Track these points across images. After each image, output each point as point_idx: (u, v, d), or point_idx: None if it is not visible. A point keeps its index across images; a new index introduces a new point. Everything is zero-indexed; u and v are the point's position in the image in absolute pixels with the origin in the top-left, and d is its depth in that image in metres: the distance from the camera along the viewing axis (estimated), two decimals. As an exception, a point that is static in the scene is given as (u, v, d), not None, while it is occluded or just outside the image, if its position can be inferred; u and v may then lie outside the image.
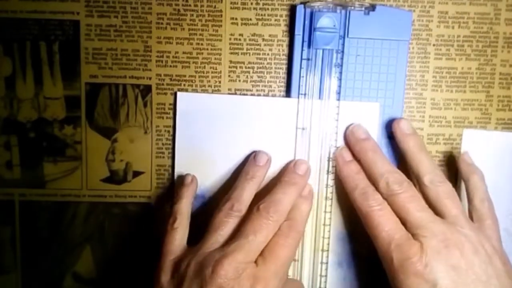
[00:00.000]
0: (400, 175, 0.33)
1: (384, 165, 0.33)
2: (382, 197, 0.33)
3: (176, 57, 0.36)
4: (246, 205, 0.33)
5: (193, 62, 0.36)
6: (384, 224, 0.32)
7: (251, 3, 0.36)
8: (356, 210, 0.34)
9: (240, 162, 0.36)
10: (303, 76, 0.35)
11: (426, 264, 0.30)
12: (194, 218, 0.34)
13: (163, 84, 0.36)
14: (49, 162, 0.37)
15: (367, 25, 0.35)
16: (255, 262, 0.30)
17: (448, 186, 0.33)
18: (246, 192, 0.34)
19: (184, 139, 0.36)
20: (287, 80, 0.36)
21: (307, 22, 0.35)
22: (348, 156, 0.35)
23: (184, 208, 0.34)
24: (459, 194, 0.34)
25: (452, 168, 0.37)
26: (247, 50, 0.36)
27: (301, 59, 0.35)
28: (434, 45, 0.37)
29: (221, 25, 0.36)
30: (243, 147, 0.36)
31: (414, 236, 0.31)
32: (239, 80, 0.37)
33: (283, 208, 0.32)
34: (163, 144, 0.37)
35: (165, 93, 0.37)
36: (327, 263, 0.36)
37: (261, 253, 0.31)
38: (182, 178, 0.36)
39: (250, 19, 0.36)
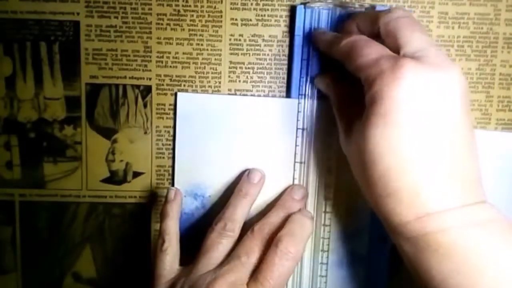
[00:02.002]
0: None
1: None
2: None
3: (176, 57, 0.36)
4: (240, 225, 0.33)
5: (193, 63, 0.36)
6: (372, 48, 0.28)
7: (251, 4, 0.36)
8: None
9: (240, 163, 0.36)
10: (303, 77, 0.35)
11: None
12: (194, 219, 0.35)
13: (163, 85, 0.36)
14: (49, 163, 0.37)
15: (367, 25, 0.35)
16: (247, 284, 0.30)
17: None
18: (239, 211, 0.33)
19: (184, 139, 0.36)
20: (287, 81, 0.36)
21: (307, 23, 0.35)
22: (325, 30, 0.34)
23: (172, 227, 0.33)
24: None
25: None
26: (247, 50, 0.36)
27: (301, 59, 0.35)
28: (434, 45, 0.37)
29: (221, 26, 0.36)
30: (243, 148, 0.36)
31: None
32: (239, 81, 0.37)
33: (277, 231, 0.32)
34: (163, 144, 0.37)
35: (165, 94, 0.37)
36: (327, 263, 0.36)
37: (253, 275, 0.30)
38: (167, 192, 0.35)
39: (250, 20, 0.36)
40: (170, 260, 0.32)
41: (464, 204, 0.25)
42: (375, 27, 0.29)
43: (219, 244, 0.32)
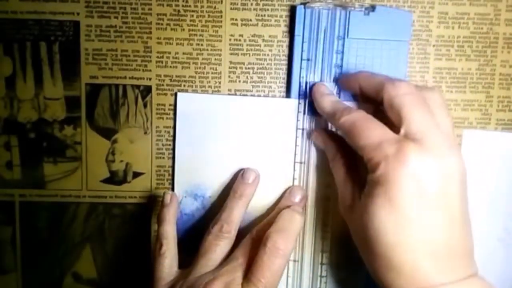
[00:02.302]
0: None
1: None
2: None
3: (176, 57, 0.36)
4: (236, 226, 0.33)
5: (193, 63, 0.36)
6: (374, 129, 0.29)
7: (251, 4, 0.36)
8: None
9: (240, 163, 0.36)
10: (303, 77, 0.35)
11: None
12: (194, 219, 0.35)
13: (163, 85, 0.36)
14: (49, 163, 0.37)
15: (367, 25, 0.35)
16: (241, 285, 0.30)
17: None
18: (235, 212, 0.34)
19: (184, 139, 0.36)
20: (287, 81, 0.36)
21: (307, 23, 0.35)
22: (325, 89, 0.34)
23: (169, 231, 0.34)
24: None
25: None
26: (247, 50, 0.36)
27: (301, 59, 0.35)
28: (434, 45, 0.37)
29: (221, 26, 0.36)
30: (243, 148, 0.36)
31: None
32: (239, 81, 0.37)
33: None
34: (163, 144, 0.37)
35: (165, 94, 0.37)
36: (327, 264, 0.36)
37: (246, 275, 0.30)
38: (163, 195, 0.35)
39: (250, 20, 0.36)
40: (168, 263, 0.33)
41: (459, 278, 0.27)
42: (379, 96, 0.30)
43: (217, 246, 0.32)
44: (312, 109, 0.35)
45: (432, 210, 0.27)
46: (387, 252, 0.28)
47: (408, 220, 0.27)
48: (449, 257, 0.27)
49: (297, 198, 0.35)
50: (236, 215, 0.34)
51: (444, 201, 0.27)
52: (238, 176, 0.35)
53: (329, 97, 0.34)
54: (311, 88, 0.35)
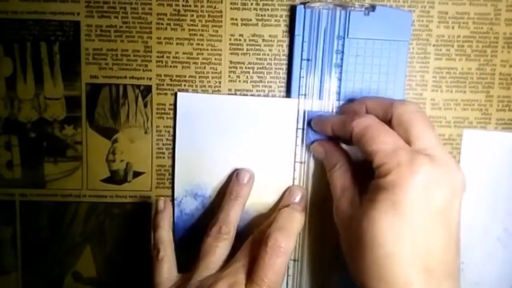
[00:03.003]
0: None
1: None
2: None
3: (176, 57, 0.36)
4: (234, 226, 0.34)
5: (193, 63, 0.36)
6: (388, 136, 0.29)
7: (251, 4, 0.36)
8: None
9: (240, 163, 0.36)
10: (303, 77, 0.36)
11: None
12: (194, 219, 0.35)
13: (163, 85, 0.36)
14: (49, 162, 0.37)
15: (367, 25, 0.35)
16: (245, 285, 0.30)
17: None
18: (232, 213, 0.34)
19: (185, 139, 0.36)
20: (287, 81, 0.36)
21: (307, 23, 0.35)
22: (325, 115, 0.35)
23: (165, 236, 0.34)
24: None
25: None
26: (247, 50, 0.36)
27: (301, 59, 0.35)
28: (434, 45, 0.37)
29: (221, 26, 0.36)
30: (243, 148, 0.36)
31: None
32: (239, 81, 0.37)
33: None
34: (163, 144, 0.37)
35: (166, 94, 0.37)
36: (327, 263, 0.36)
37: (249, 276, 0.30)
38: (157, 202, 0.35)
39: (250, 20, 0.36)
40: (167, 268, 0.33)
41: None
42: (387, 115, 0.31)
43: (216, 248, 0.33)
44: (312, 108, 0.35)
45: (435, 222, 0.27)
46: (381, 262, 0.27)
47: (410, 229, 0.27)
48: (443, 275, 0.27)
49: (297, 197, 0.35)
50: (234, 216, 0.34)
51: (446, 215, 0.28)
52: (232, 177, 0.35)
53: (332, 116, 0.35)
54: (309, 120, 0.35)
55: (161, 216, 0.34)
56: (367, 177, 0.30)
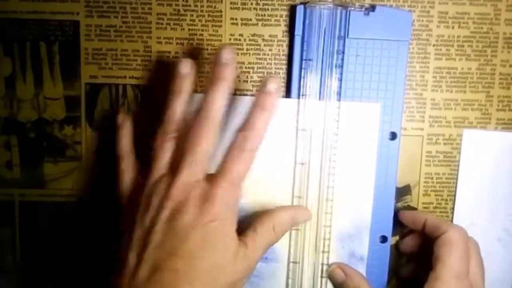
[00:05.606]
0: None
1: None
2: None
3: (176, 57, 0.36)
4: (180, 122, 0.32)
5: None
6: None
7: (251, 4, 0.36)
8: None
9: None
10: (303, 77, 0.35)
11: None
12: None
13: (163, 85, 0.36)
14: (49, 162, 0.37)
15: (367, 25, 0.35)
16: (206, 179, 0.30)
17: None
18: (176, 109, 0.32)
19: (184, 139, 0.36)
20: (287, 81, 0.36)
21: (307, 23, 0.35)
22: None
23: (123, 147, 0.34)
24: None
25: (452, 168, 0.37)
26: (247, 50, 0.36)
27: (301, 59, 0.35)
28: (434, 45, 0.37)
29: (221, 26, 0.36)
30: (243, 148, 0.36)
31: None
32: (239, 81, 0.37)
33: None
34: (163, 144, 0.37)
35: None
36: (327, 264, 0.36)
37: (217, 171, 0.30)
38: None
39: (250, 20, 0.36)
40: (127, 178, 0.33)
41: None
42: (436, 232, 0.34)
43: (164, 148, 0.31)
44: (312, 109, 0.35)
45: None
46: None
47: None
48: None
49: (272, 88, 0.31)
50: (177, 112, 0.32)
51: None
52: (174, 72, 0.32)
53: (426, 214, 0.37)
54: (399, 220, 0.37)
55: (120, 130, 0.34)
56: None
